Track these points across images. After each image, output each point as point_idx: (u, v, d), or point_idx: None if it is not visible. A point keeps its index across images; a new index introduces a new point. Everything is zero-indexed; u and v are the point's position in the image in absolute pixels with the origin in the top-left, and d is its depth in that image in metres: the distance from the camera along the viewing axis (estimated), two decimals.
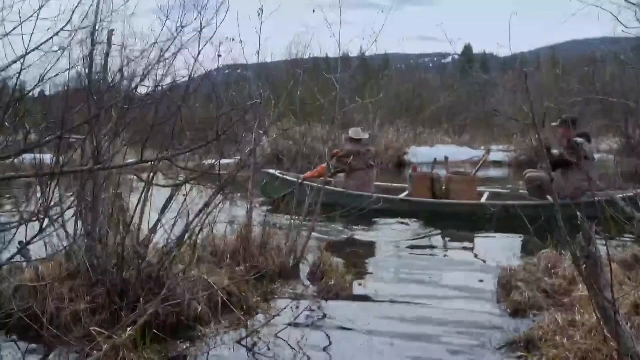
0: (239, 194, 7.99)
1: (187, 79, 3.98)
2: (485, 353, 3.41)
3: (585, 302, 3.59)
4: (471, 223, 7.38)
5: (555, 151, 7.59)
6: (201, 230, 4.32)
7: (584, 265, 2.63)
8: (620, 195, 5.50)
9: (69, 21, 3.41)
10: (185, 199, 4.12)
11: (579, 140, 7.41)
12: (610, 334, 2.62)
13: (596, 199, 5.62)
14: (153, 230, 4.13)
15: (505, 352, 3.39)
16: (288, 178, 8.76)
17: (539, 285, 4.24)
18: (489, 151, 10.07)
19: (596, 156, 13.78)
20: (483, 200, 8.24)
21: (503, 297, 4.31)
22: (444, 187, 8.37)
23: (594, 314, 2.90)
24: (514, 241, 6.50)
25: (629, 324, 2.90)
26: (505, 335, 3.56)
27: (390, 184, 9.59)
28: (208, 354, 3.43)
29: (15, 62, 3.22)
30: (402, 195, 8.54)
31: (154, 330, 3.45)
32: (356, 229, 7.10)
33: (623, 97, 13.81)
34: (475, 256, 6.01)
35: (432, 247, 6.41)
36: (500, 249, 6.06)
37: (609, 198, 5.32)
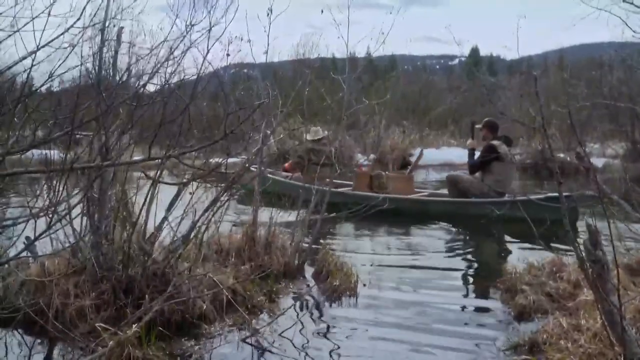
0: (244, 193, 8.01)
1: (195, 77, 4.00)
2: (490, 356, 3.40)
3: (590, 306, 3.58)
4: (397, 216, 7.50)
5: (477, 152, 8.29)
6: (207, 228, 4.33)
7: (590, 270, 2.63)
8: (535, 197, 6.58)
9: (79, 18, 3.42)
10: (192, 197, 4.13)
11: (496, 142, 7.96)
12: (616, 338, 2.62)
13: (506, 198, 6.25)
14: (159, 228, 4.14)
15: (509, 355, 3.39)
16: (276, 177, 9.32)
17: (544, 289, 4.24)
18: (422, 151, 10.94)
19: (601, 160, 13.87)
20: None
21: (507, 300, 4.31)
22: (383, 184, 9.03)
23: (599, 319, 2.90)
24: (519, 245, 6.49)
25: (634, 329, 2.89)
26: (510, 338, 3.56)
27: (341, 182, 10.13)
28: (212, 352, 3.44)
29: (25, 57, 3.24)
30: (345, 189, 9.27)
31: (159, 328, 3.47)
32: (361, 229, 7.10)
33: (630, 101, 13.77)
34: (480, 259, 6.00)
35: (437, 247, 6.40)
36: (505, 251, 6.06)
37: (526, 198, 6.52)
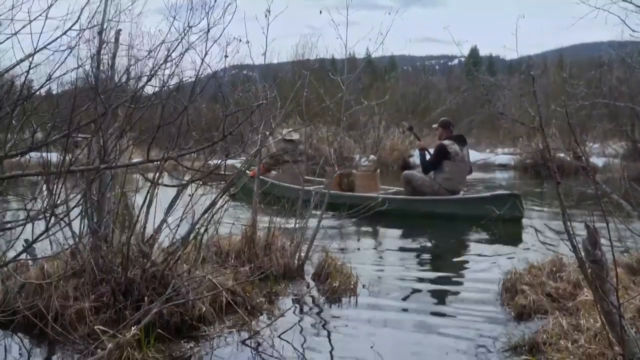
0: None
1: (193, 79, 3.99)
2: (489, 356, 3.40)
3: (589, 306, 3.58)
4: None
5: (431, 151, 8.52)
6: (206, 230, 4.32)
7: (590, 270, 2.63)
8: (479, 196, 7.43)
9: (77, 20, 3.42)
10: (191, 199, 4.13)
11: (446, 142, 8.17)
12: (615, 338, 2.61)
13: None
14: (158, 230, 4.14)
15: (509, 356, 3.39)
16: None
17: (544, 289, 4.23)
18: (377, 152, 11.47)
19: (601, 160, 13.90)
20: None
21: (507, 301, 4.30)
22: (351, 182, 9.33)
23: (599, 318, 2.89)
24: (520, 245, 6.49)
25: (633, 329, 2.89)
26: (510, 338, 3.55)
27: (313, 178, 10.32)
28: (212, 353, 3.44)
29: (23, 60, 3.23)
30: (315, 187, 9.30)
31: (159, 330, 3.46)
32: (361, 231, 7.10)
33: (630, 100, 13.77)
34: (481, 259, 6.00)
35: (436, 248, 6.40)
36: (505, 252, 6.06)
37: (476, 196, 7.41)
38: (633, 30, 6.95)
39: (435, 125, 8.91)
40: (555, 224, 5.25)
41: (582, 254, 2.62)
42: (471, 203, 7.98)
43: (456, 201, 7.87)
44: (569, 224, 2.65)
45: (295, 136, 10.32)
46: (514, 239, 6.81)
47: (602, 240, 2.66)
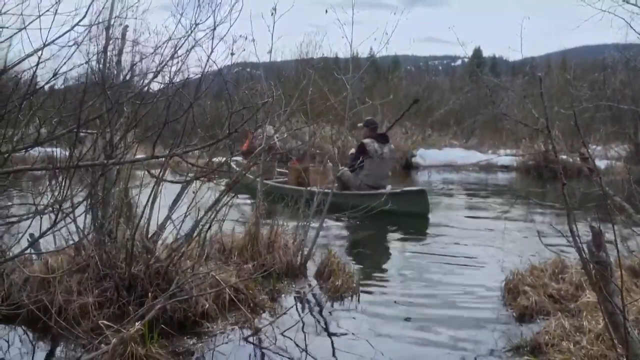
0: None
1: (199, 76, 4.00)
2: (492, 357, 3.41)
3: (592, 307, 3.59)
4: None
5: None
6: (210, 227, 4.34)
7: (593, 271, 2.63)
8: (391, 191, 7.83)
9: (85, 16, 3.43)
10: (195, 196, 4.14)
11: (366, 140, 8.74)
12: (619, 340, 2.62)
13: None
14: (162, 226, 4.15)
15: (511, 357, 3.40)
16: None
17: (546, 290, 4.24)
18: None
19: (604, 162, 13.87)
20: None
21: (510, 302, 4.31)
22: (306, 177, 9.72)
23: (602, 320, 2.90)
24: (521, 245, 6.49)
25: (637, 331, 2.89)
26: (512, 339, 3.56)
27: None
28: (214, 350, 3.45)
29: (30, 55, 3.24)
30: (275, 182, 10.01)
31: (162, 325, 3.47)
32: (364, 229, 7.11)
33: (633, 103, 13.75)
34: (483, 259, 6.00)
35: (439, 248, 6.40)
36: (507, 253, 6.06)
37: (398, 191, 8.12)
38: (638, 33, 6.95)
39: (360, 125, 9.45)
40: (558, 225, 5.27)
41: (587, 255, 2.63)
42: (384, 198, 8.35)
43: (373, 196, 8.18)
44: (573, 225, 2.65)
45: (271, 131, 10.61)
46: (516, 241, 6.81)
47: (606, 242, 2.66)
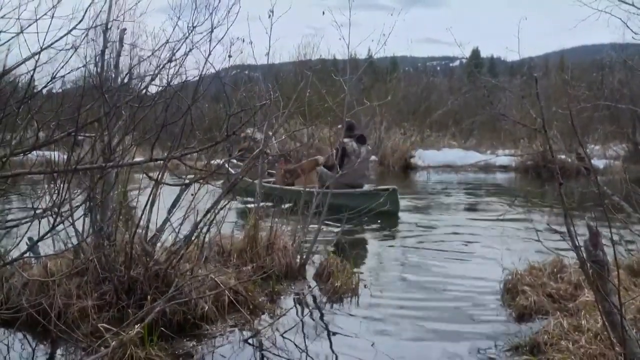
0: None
1: (197, 78, 4.01)
2: (491, 356, 3.41)
3: (590, 306, 3.59)
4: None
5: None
6: (209, 229, 4.34)
7: (591, 270, 2.64)
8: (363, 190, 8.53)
9: (82, 20, 3.43)
10: (194, 198, 4.14)
11: (345, 140, 8.87)
12: (617, 338, 2.63)
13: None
14: (161, 229, 4.16)
15: (510, 356, 3.40)
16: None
17: (545, 290, 4.25)
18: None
19: (602, 162, 13.91)
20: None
21: (509, 301, 4.31)
22: (290, 177, 10.14)
23: (600, 319, 2.91)
24: (520, 245, 6.50)
25: (634, 329, 2.90)
26: (511, 339, 3.56)
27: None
28: (214, 352, 3.45)
29: (28, 59, 3.25)
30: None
31: (161, 328, 3.48)
32: (363, 230, 7.11)
33: (631, 103, 13.77)
34: (482, 259, 6.01)
35: (439, 248, 6.40)
36: (506, 252, 6.06)
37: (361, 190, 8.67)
38: (635, 33, 6.94)
39: (339, 126, 9.65)
40: (556, 225, 5.27)
41: (584, 254, 2.64)
42: (357, 196, 8.65)
43: (349, 194, 8.52)
44: (570, 224, 2.66)
45: (259, 136, 10.80)
46: (516, 240, 6.82)
47: (603, 241, 2.67)
